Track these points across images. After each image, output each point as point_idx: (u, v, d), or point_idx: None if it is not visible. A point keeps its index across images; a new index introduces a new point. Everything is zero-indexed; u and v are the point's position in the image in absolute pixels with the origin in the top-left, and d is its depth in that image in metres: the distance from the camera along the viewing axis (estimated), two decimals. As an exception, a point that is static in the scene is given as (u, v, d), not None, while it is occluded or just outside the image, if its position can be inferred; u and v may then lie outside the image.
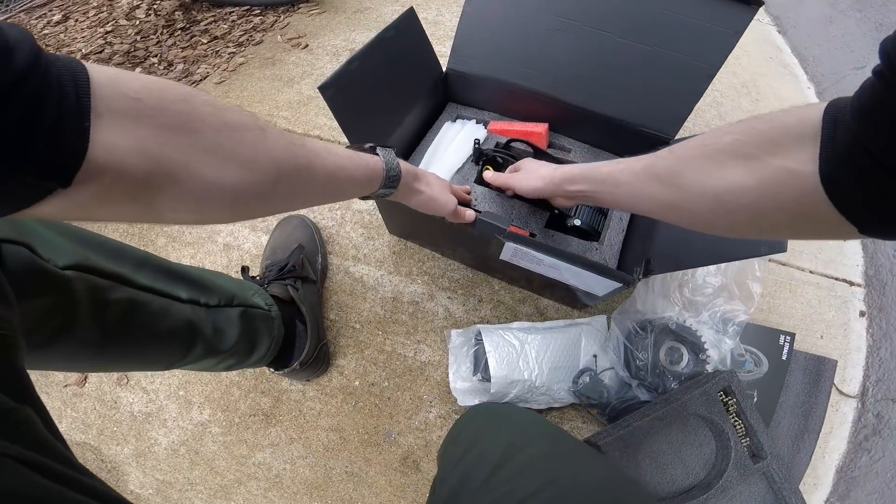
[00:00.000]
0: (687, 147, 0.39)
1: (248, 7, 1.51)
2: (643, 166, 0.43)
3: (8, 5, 1.69)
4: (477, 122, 0.87)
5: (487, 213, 0.62)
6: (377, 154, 0.48)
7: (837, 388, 0.78)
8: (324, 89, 0.57)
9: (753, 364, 0.77)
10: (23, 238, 0.35)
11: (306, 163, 0.35)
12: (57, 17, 1.61)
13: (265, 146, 0.30)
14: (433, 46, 0.80)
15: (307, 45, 1.27)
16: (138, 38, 1.43)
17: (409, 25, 0.75)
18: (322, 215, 0.91)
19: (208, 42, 1.40)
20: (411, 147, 0.83)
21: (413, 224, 0.77)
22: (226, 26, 1.45)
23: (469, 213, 0.61)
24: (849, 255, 0.93)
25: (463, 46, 0.82)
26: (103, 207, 0.23)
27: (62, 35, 1.51)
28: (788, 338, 0.78)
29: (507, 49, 0.79)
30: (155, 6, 1.59)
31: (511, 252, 0.63)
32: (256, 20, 1.45)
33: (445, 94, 0.89)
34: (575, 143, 0.84)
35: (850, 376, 0.79)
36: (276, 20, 1.43)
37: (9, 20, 1.62)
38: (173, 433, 0.74)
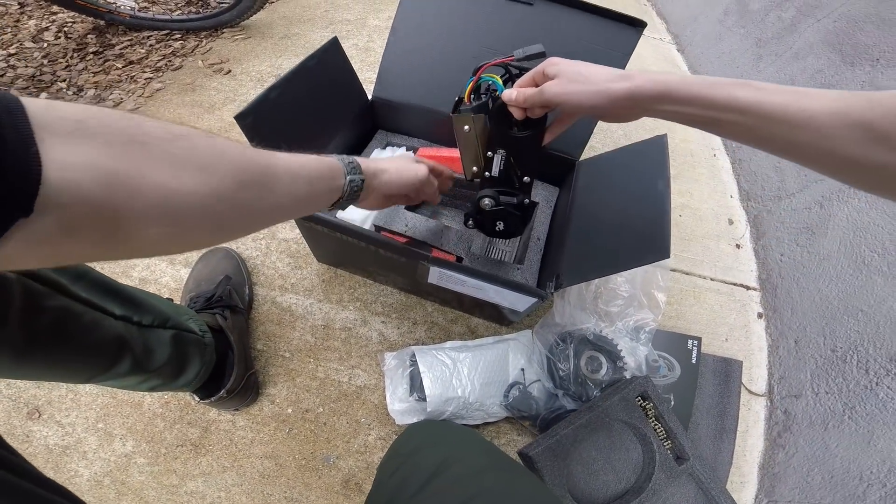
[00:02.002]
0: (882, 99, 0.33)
1: (167, 31, 1.47)
2: (842, 107, 0.35)
3: None
4: (407, 149, 0.90)
5: (414, 239, 0.64)
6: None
7: (746, 388, 0.85)
8: (241, 118, 0.57)
9: (667, 369, 0.83)
10: None
11: (265, 163, 0.34)
12: None
13: (218, 150, 0.30)
14: (364, 73, 0.82)
15: (230, 71, 1.25)
16: (45, 61, 1.34)
17: (332, 54, 0.76)
18: (247, 246, 0.89)
19: (123, 67, 1.33)
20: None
21: (342, 252, 0.78)
22: (143, 51, 1.39)
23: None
24: (743, 261, 1.04)
25: (388, 75, 0.85)
26: (72, 238, 0.22)
27: (-45, 57, 1.38)
28: (695, 342, 0.86)
29: (432, 77, 0.83)
30: (66, 29, 1.49)
31: (437, 276, 0.65)
32: (177, 45, 1.40)
33: (374, 121, 0.92)
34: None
35: (756, 375, 0.87)
36: (198, 45, 1.39)
37: None
38: (95, 465, 0.68)
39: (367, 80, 1.16)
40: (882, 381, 0.67)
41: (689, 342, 0.86)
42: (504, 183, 0.62)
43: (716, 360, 0.86)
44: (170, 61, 1.34)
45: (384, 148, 0.90)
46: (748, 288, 1.00)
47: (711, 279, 0.99)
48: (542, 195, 0.88)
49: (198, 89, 1.21)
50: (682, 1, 2.07)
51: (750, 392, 0.85)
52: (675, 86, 0.42)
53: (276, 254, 0.89)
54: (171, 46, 1.40)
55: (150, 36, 1.44)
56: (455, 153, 0.87)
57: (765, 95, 0.38)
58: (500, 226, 0.66)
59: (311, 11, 1.52)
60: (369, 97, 0.87)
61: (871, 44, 0.99)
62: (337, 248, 0.75)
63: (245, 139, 0.57)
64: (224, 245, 0.86)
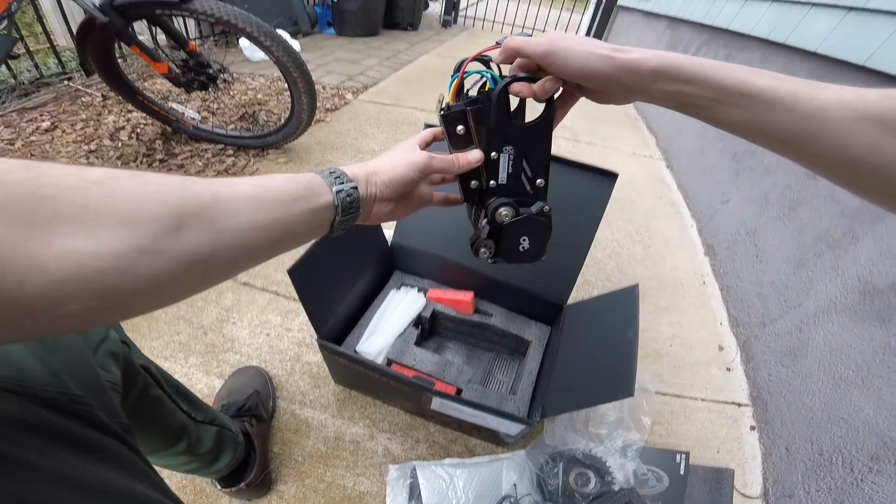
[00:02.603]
0: None
1: (222, 146, 1.70)
2: (854, 98, 0.33)
3: (3, 102, 1.79)
4: (418, 291, 1.03)
5: (418, 376, 0.74)
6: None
7: (740, 492, 0.89)
8: (292, 272, 0.70)
9: (655, 480, 0.88)
10: (126, 340, 0.51)
11: (211, 194, 0.29)
12: (46, 125, 1.71)
13: (147, 191, 0.25)
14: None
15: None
16: (119, 162, 1.54)
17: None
18: (274, 366, 1.00)
19: None
20: (360, 311, 0.97)
21: (357, 378, 0.88)
22: (200, 163, 1.60)
23: (460, 157, 0.50)
24: (734, 381, 1.10)
25: (406, 223, 1.01)
26: None
27: (48, 145, 1.59)
28: (683, 455, 0.91)
29: (440, 227, 0.98)
30: (138, 130, 1.72)
31: (439, 404, 0.75)
32: (229, 161, 1.62)
33: (392, 263, 1.07)
34: (495, 307, 1.01)
35: (750, 481, 0.91)
36: (247, 164, 1.61)
37: (2, 116, 1.71)
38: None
39: (388, 225, 1.33)
40: (866, 478, 0.73)
41: (678, 456, 0.91)
42: (513, 191, 0.53)
43: (706, 469, 0.91)
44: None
45: (399, 288, 1.04)
46: (740, 405, 1.05)
47: (703, 399, 1.06)
48: (536, 333, 0.98)
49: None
50: (668, 115, 2.28)
51: (745, 496, 0.89)
52: (680, 61, 0.39)
53: (299, 374, 1.00)
54: (224, 162, 1.61)
55: (207, 150, 1.66)
56: (457, 294, 0.99)
57: (776, 82, 0.36)
58: (525, 243, 0.54)
59: (342, 139, 1.76)
60: (389, 242, 1.02)
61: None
62: (353, 375, 0.86)
63: (295, 290, 0.71)
64: (255, 364, 0.98)
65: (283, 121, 1.59)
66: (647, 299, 1.30)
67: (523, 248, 0.55)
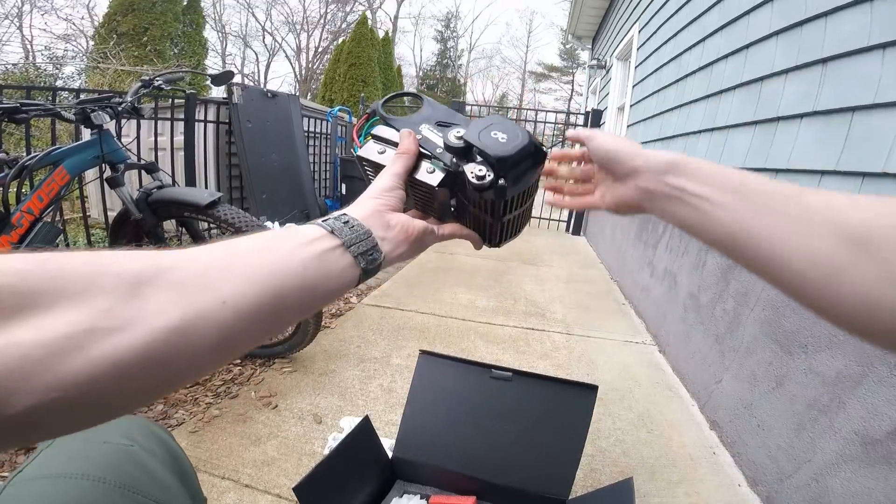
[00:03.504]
0: None
1: (230, 354, 1.80)
2: (823, 203, 0.33)
3: None
4: (420, 497, 1.04)
5: None
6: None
7: None
8: (298, 491, 0.76)
9: None
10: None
11: (177, 257, 0.25)
12: None
13: (99, 264, 0.23)
14: (387, 415, 1.12)
15: (276, 406, 1.49)
16: None
17: (363, 431, 0.98)
18: None
19: (190, 386, 1.60)
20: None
21: None
22: None
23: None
24: None
25: (405, 439, 1.06)
26: None
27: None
28: None
29: (439, 440, 1.03)
30: None
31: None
32: (236, 370, 1.70)
33: (393, 473, 1.09)
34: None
35: None
36: (253, 373, 1.69)
37: None
38: None
39: (391, 421, 1.38)
40: None
41: None
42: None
43: None
44: (228, 388, 1.60)
45: (401, 496, 1.05)
46: None
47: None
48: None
49: (248, 421, 1.42)
50: (652, 300, 2.44)
51: None
52: (691, 159, 0.42)
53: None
54: (231, 371, 1.69)
55: (217, 360, 1.77)
56: (460, 500, 1.00)
57: (774, 184, 0.36)
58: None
59: (346, 346, 1.89)
60: (389, 455, 1.05)
61: (795, 329, 1.21)
62: None
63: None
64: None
65: (289, 332, 1.72)
66: (659, 476, 1.28)
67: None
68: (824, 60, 1.30)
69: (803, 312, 1.23)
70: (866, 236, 0.29)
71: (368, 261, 0.34)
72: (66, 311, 0.20)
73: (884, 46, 1.07)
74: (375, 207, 0.38)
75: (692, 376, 1.77)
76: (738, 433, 1.38)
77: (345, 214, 0.36)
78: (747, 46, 1.79)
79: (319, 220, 0.34)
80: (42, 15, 13.05)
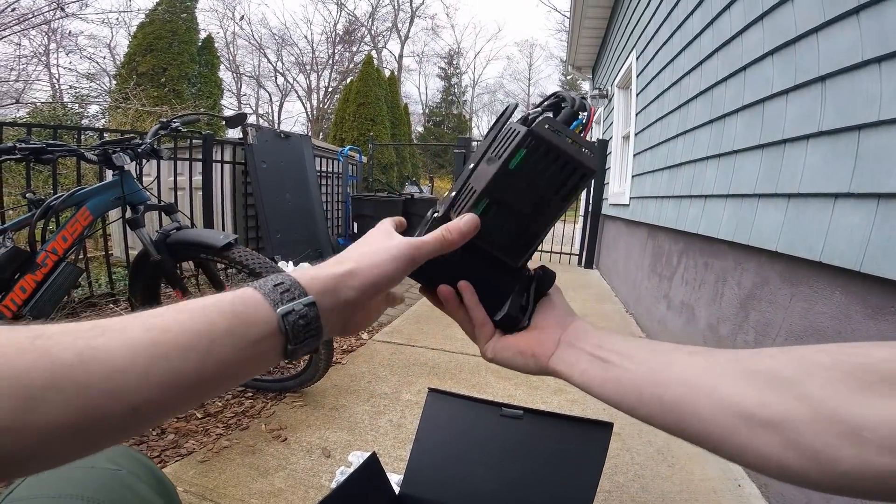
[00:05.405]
0: (815, 353, 0.30)
1: (242, 387, 1.80)
2: (730, 357, 0.33)
3: (52, 318, 1.90)
4: None
5: None
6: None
7: None
8: None
9: None
10: None
11: (77, 352, 0.24)
12: None
13: None
14: (396, 450, 1.12)
15: (286, 439, 1.47)
16: None
17: (370, 467, 0.96)
18: None
19: (202, 417, 1.59)
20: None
21: None
22: (220, 404, 1.67)
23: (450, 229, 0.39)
24: None
25: (413, 476, 1.03)
26: None
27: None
28: None
29: (448, 478, 1.00)
30: None
31: None
32: (247, 403, 1.70)
33: None
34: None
35: None
36: (264, 407, 1.68)
37: (46, 323, 1.81)
38: None
39: (399, 457, 1.35)
40: None
41: None
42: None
43: None
44: (239, 420, 1.59)
45: None
46: None
47: None
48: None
49: (257, 453, 1.40)
50: (669, 333, 2.36)
51: None
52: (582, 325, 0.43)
53: None
54: (242, 404, 1.69)
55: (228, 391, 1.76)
56: None
57: (650, 343, 0.38)
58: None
59: (356, 382, 1.87)
60: (397, 490, 1.02)
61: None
62: None
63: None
64: None
65: (301, 367, 1.72)
66: (681, 511, 1.22)
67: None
68: (822, 78, 1.29)
69: (824, 340, 1.20)
70: (774, 377, 0.30)
71: (300, 354, 0.33)
72: None
73: (879, 61, 1.06)
74: None
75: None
76: (765, 465, 1.33)
77: (313, 307, 0.32)
78: (744, 68, 1.79)
79: (282, 312, 0.30)
80: (67, 54, 13.73)
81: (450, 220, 0.40)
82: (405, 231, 0.42)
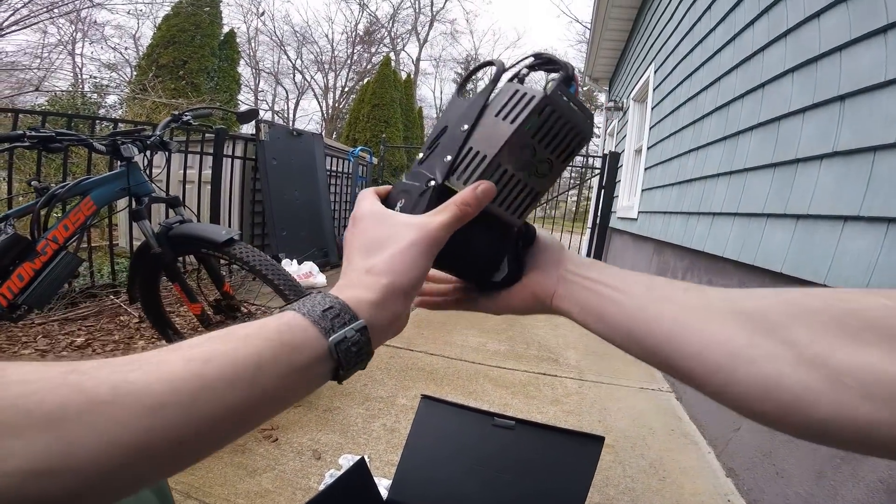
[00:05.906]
0: (806, 297, 0.30)
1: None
2: (723, 296, 0.33)
3: (52, 308, 1.91)
4: None
5: None
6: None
7: None
8: None
9: None
10: None
11: (112, 385, 0.22)
12: (80, 341, 1.81)
13: (8, 395, 0.20)
14: (387, 455, 1.12)
15: (276, 439, 1.46)
16: None
17: (358, 471, 0.95)
18: None
19: None
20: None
21: None
22: None
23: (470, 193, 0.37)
24: None
25: (402, 482, 1.02)
26: None
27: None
28: None
29: (437, 485, 0.99)
30: None
31: None
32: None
33: None
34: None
35: None
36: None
37: (44, 326, 1.82)
38: None
39: (391, 462, 1.33)
40: None
41: None
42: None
43: None
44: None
45: None
46: None
47: None
48: None
49: (247, 452, 1.39)
50: None
51: None
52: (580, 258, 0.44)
53: None
54: (236, 403, 1.69)
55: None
56: None
57: (677, 282, 0.37)
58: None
59: (352, 384, 1.85)
60: (384, 495, 1.00)
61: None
62: None
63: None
64: None
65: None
66: (669, 526, 1.19)
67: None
68: (841, 98, 1.27)
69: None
70: (762, 319, 0.30)
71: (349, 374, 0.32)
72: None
73: (902, 80, 1.04)
74: None
75: (710, 423, 1.69)
76: (756, 481, 1.31)
77: (364, 331, 0.31)
78: (763, 85, 1.78)
79: (335, 340, 0.29)
80: (90, 44, 13.92)
81: (448, 188, 0.39)
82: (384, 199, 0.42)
